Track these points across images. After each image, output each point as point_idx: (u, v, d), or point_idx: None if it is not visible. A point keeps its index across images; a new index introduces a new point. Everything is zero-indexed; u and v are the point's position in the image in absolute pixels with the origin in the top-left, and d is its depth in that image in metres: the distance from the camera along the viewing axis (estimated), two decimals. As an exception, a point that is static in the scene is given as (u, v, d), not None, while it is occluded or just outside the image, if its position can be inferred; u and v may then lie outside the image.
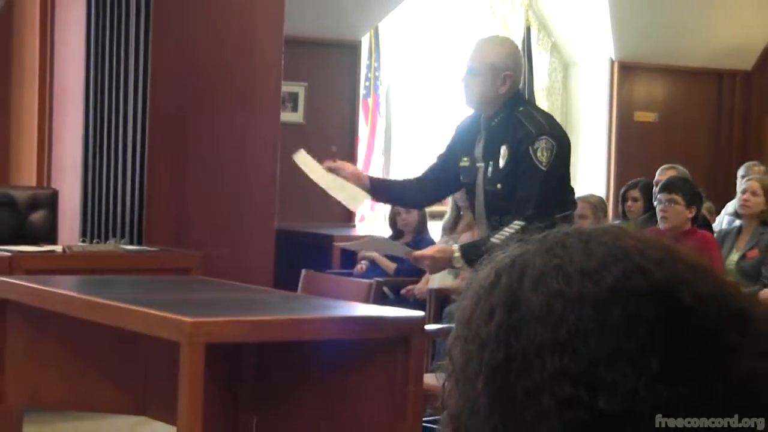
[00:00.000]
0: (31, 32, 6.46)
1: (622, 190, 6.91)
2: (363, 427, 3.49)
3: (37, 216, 5.67)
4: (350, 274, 6.47)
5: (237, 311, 3.60)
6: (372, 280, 4.84)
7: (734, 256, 6.01)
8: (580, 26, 9.57)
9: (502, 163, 3.82)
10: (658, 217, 5.48)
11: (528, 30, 9.35)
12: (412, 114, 9.35)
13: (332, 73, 8.46)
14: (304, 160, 4.04)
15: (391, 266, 6.60)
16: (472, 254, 3.79)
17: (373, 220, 8.82)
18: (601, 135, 9.63)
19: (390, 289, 6.42)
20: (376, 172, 8.58)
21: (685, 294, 0.85)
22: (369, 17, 8.51)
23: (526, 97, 8.96)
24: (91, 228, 5.90)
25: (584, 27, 9.54)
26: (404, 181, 4.19)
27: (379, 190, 4.14)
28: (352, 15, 8.31)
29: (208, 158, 6.15)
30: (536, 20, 9.55)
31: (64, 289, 3.98)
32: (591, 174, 9.62)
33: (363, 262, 6.75)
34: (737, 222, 6.41)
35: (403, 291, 6.42)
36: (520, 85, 4.09)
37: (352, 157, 8.34)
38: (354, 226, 8.49)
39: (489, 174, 3.87)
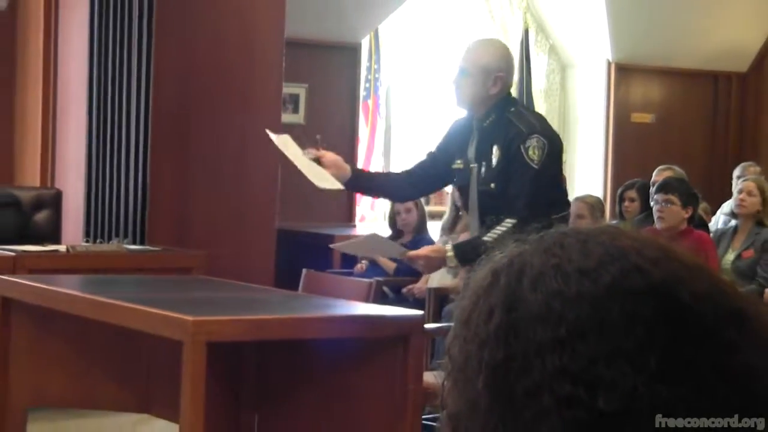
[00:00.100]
0: (35, 33, 6.48)
1: (620, 191, 6.94)
2: (363, 425, 3.47)
3: (41, 216, 5.68)
4: (350, 274, 6.47)
5: (238, 310, 3.58)
6: (372, 280, 4.87)
7: (730, 256, 6.05)
8: (578, 28, 9.60)
9: (494, 162, 3.84)
10: (655, 217, 5.50)
11: (526, 32, 9.39)
12: (412, 115, 9.39)
13: (333, 74, 8.49)
14: (284, 141, 4.02)
15: (391, 266, 6.61)
16: (466, 253, 3.81)
17: (373, 220, 8.85)
18: (599, 136, 9.65)
19: (390, 289, 6.44)
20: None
21: (682, 292, 0.86)
22: (369, 20, 8.54)
23: (524, 98, 9.03)
24: (94, 228, 5.89)
25: (582, 29, 9.57)
26: (390, 174, 4.19)
27: (361, 181, 4.15)
28: (352, 18, 8.34)
29: (210, 159, 6.16)
30: (534, 23, 9.59)
31: (67, 288, 3.96)
32: (588, 174, 9.65)
33: (363, 261, 6.76)
34: (733, 222, 6.44)
35: (404, 290, 6.44)
36: (512, 87, 4.11)
37: (352, 158, 8.37)
38: (354, 226, 8.50)
39: (482, 174, 3.89)
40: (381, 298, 5.48)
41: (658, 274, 0.86)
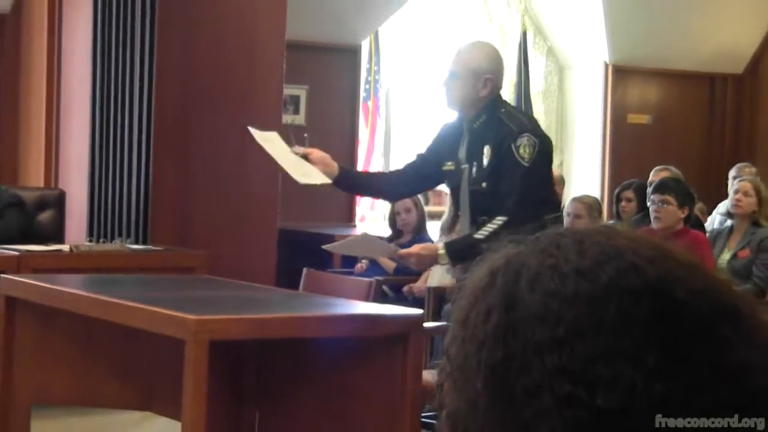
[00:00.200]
0: (38, 34, 6.51)
1: (616, 191, 6.96)
2: (362, 422, 3.48)
3: (45, 216, 5.70)
4: (351, 273, 6.47)
5: (240, 309, 3.59)
6: (372, 279, 4.90)
7: (726, 256, 6.08)
8: (575, 30, 9.63)
9: (485, 162, 3.86)
10: (652, 218, 5.52)
11: (524, 34, 9.43)
12: (411, 117, 9.42)
13: (333, 76, 8.52)
14: (270, 138, 4.04)
15: (391, 265, 6.62)
16: (457, 251, 3.83)
17: (373, 220, 8.87)
18: (596, 137, 9.68)
19: (390, 288, 6.45)
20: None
21: (678, 290, 0.86)
22: (369, 22, 8.57)
23: (522, 99, 9.08)
24: (97, 228, 5.90)
25: (579, 31, 9.60)
26: (381, 173, 4.21)
27: (348, 178, 4.17)
28: (352, 20, 8.37)
29: (212, 159, 6.18)
30: (532, 25, 9.62)
31: (71, 287, 3.96)
32: (586, 175, 9.68)
33: (363, 261, 6.78)
34: (729, 222, 6.47)
35: (405, 289, 6.46)
36: (502, 88, 4.11)
37: (352, 159, 8.41)
38: (354, 226, 8.51)
39: (474, 174, 3.91)
40: (381, 298, 5.52)
41: (654, 273, 0.87)
